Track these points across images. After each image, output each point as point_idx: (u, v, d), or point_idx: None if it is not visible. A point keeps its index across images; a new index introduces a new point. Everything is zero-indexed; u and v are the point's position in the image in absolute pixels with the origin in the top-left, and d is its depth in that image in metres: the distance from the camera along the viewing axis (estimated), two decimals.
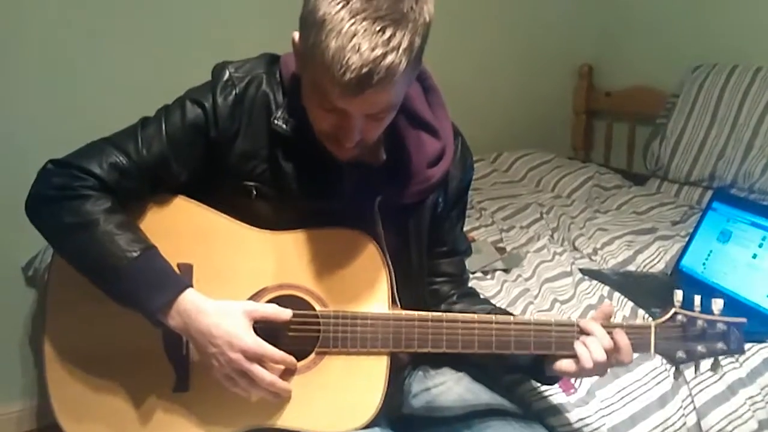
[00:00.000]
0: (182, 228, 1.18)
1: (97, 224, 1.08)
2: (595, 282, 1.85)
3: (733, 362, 1.53)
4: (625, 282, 1.84)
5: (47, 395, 1.17)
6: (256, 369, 1.08)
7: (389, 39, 0.95)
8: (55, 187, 1.10)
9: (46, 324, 1.18)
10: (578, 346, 1.13)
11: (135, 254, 1.07)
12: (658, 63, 2.86)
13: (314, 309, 1.16)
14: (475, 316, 1.17)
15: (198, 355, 1.12)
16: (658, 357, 1.49)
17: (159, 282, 1.08)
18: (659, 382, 1.45)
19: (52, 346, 1.17)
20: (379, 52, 0.94)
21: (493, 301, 1.41)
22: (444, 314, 1.17)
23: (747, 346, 1.51)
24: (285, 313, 1.12)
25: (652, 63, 2.89)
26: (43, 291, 1.24)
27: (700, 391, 1.48)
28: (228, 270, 1.17)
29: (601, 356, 1.12)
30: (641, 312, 1.67)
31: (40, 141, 2.06)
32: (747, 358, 1.53)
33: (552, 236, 2.21)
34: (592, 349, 1.12)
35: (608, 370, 1.17)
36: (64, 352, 1.17)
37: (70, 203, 1.09)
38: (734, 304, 1.60)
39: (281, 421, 1.14)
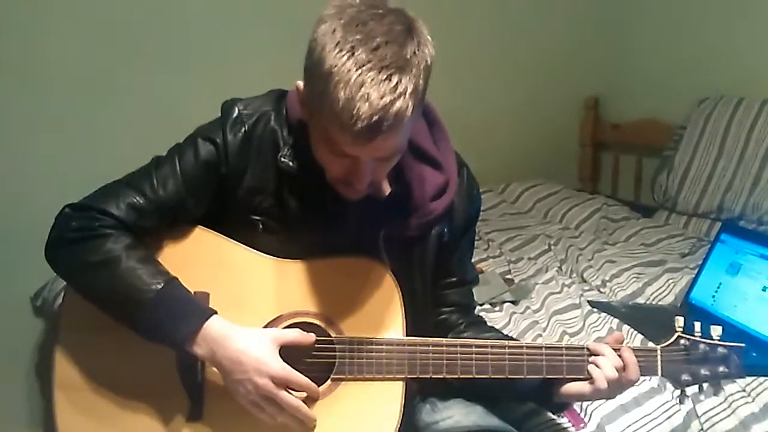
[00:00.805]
0: (198, 257, 1.19)
1: (119, 261, 1.09)
2: (604, 314, 1.84)
3: (745, 396, 1.51)
4: (634, 314, 1.84)
5: (54, 425, 1.16)
6: (284, 395, 1.08)
7: (396, 86, 0.97)
8: (75, 229, 1.12)
9: (57, 349, 1.18)
10: (591, 368, 1.17)
11: (159, 286, 1.08)
12: (665, 95, 2.88)
13: (330, 335, 1.16)
14: (488, 341, 1.18)
15: (220, 382, 1.12)
16: (668, 391, 1.48)
17: (184, 311, 1.09)
18: (669, 417, 1.44)
19: (62, 376, 1.17)
20: (387, 99, 0.97)
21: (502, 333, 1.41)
22: (457, 340, 1.18)
23: (761, 380, 1.52)
24: (309, 338, 1.13)
25: (659, 95, 2.91)
26: (56, 321, 1.24)
27: (712, 425, 1.46)
28: (244, 298, 1.18)
29: (613, 374, 1.15)
30: (651, 345, 1.66)
31: (47, 173, 2.10)
32: (759, 393, 1.51)
33: (560, 268, 2.20)
34: (604, 368, 1.15)
35: (619, 391, 1.19)
36: (74, 380, 1.17)
37: (91, 243, 1.11)
38: (745, 337, 1.59)
39: None
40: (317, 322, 1.17)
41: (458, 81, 2.63)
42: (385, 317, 1.18)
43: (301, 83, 1.08)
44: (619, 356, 1.17)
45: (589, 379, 1.17)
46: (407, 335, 1.19)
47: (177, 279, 1.12)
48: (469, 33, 2.73)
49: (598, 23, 3.06)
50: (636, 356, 1.18)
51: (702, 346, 1.20)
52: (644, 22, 2.97)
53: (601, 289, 2.06)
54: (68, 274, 1.16)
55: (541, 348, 1.18)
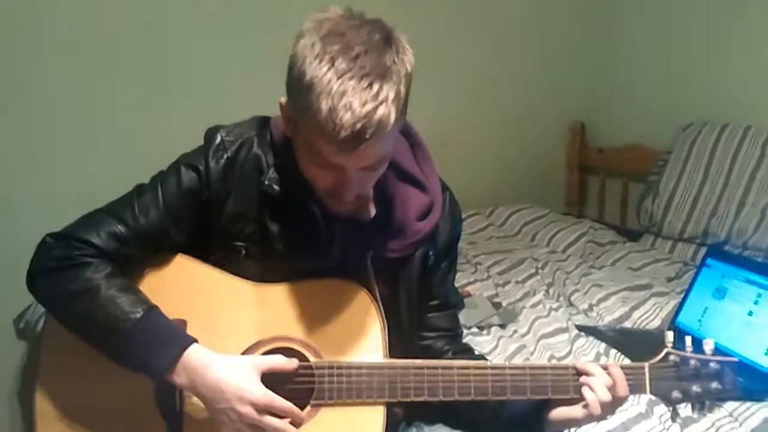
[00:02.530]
0: (176, 284, 1.18)
1: (98, 289, 1.09)
2: (591, 338, 1.84)
3: (732, 421, 1.51)
4: (621, 339, 1.84)
5: None
6: (268, 420, 1.07)
7: (377, 93, 0.98)
8: (56, 258, 1.12)
9: (38, 381, 1.17)
10: (585, 391, 1.14)
11: (138, 315, 1.08)
12: (650, 121, 2.91)
13: (309, 361, 1.15)
14: (471, 362, 1.17)
15: (199, 410, 1.11)
16: (656, 416, 1.48)
17: (163, 340, 1.08)
18: None
19: (44, 403, 1.16)
20: (369, 107, 0.97)
21: (489, 357, 1.40)
22: (439, 361, 1.17)
23: (748, 404, 1.51)
24: (291, 363, 1.12)
25: (644, 121, 2.94)
26: (36, 346, 1.23)
27: None
28: (222, 324, 1.17)
29: (606, 396, 1.13)
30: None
31: (29, 196, 2.09)
32: (747, 418, 1.51)
33: (547, 291, 2.20)
34: (596, 389, 1.13)
35: (610, 412, 1.17)
36: (55, 408, 1.15)
37: (71, 272, 1.10)
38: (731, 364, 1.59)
39: None
40: (296, 347, 1.16)
41: (445, 105, 2.65)
42: (365, 340, 1.17)
43: (283, 99, 1.09)
44: (608, 374, 1.15)
45: (578, 400, 1.15)
46: (393, 359, 1.18)
47: (157, 307, 1.11)
48: (456, 58, 2.75)
49: (584, 50, 3.10)
50: (624, 371, 1.15)
51: (693, 361, 1.16)
52: (630, 49, 3.01)
53: (588, 313, 2.06)
54: (48, 303, 1.15)
55: (524, 368, 1.16)
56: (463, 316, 1.40)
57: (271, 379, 1.12)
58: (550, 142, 3.15)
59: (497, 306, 2.05)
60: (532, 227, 2.76)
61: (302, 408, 1.13)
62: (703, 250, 2.31)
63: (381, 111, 0.98)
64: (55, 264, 1.11)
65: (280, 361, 1.11)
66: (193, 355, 1.08)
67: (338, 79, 0.97)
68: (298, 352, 1.16)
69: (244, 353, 1.15)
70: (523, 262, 2.42)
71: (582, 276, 2.28)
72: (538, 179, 3.11)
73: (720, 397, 1.18)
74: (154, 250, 1.18)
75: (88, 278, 1.09)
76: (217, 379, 1.06)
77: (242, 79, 2.34)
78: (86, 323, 1.10)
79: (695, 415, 1.24)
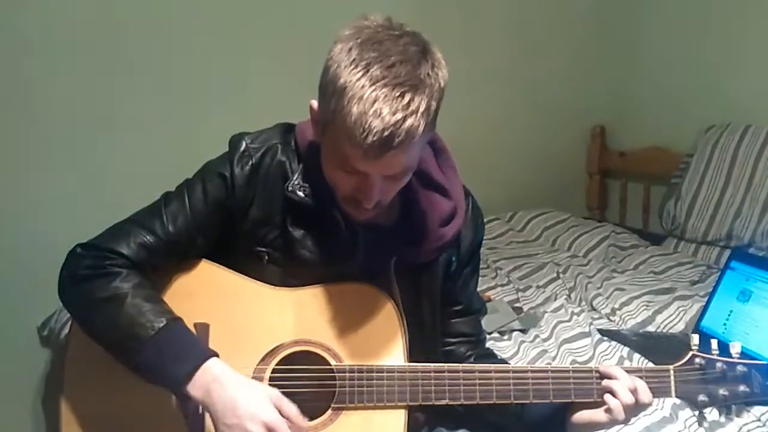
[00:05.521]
0: (200, 288, 1.19)
1: (125, 298, 1.09)
2: (614, 343, 1.82)
3: (760, 426, 1.48)
4: (644, 343, 1.82)
5: None
6: None
7: (408, 104, 0.98)
8: (86, 267, 1.13)
9: (63, 387, 1.18)
10: (607, 397, 1.13)
11: (161, 324, 1.08)
12: (671, 123, 2.88)
13: (330, 364, 1.15)
14: (492, 366, 1.17)
15: (216, 427, 1.10)
16: (681, 420, 1.46)
17: (184, 352, 1.08)
18: None
19: (69, 409, 1.17)
20: (399, 116, 0.98)
21: (511, 362, 1.39)
22: (460, 365, 1.16)
23: None
24: (301, 422, 1.08)
25: (665, 123, 2.91)
26: (61, 354, 1.24)
27: None
28: (244, 328, 1.17)
29: (630, 400, 1.12)
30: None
31: (56, 205, 2.11)
32: None
33: (569, 296, 2.19)
34: (620, 394, 1.12)
35: (633, 416, 1.16)
36: (80, 415, 1.16)
37: (100, 281, 1.11)
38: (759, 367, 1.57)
39: None
40: (317, 350, 1.17)
41: (466, 110, 2.64)
42: (385, 344, 1.17)
43: (315, 102, 1.09)
44: (631, 377, 1.13)
45: (602, 404, 1.14)
46: (414, 363, 1.17)
47: (180, 319, 1.11)
48: (476, 63, 2.75)
49: (605, 53, 3.08)
50: (648, 378, 1.15)
51: (719, 364, 1.14)
52: (650, 52, 2.99)
53: (611, 318, 2.04)
54: (76, 311, 1.16)
55: (547, 371, 1.16)
56: (484, 322, 1.39)
57: (291, 383, 1.13)
58: (571, 146, 3.13)
59: (518, 311, 2.03)
60: (553, 232, 2.74)
61: (323, 412, 1.14)
62: (727, 252, 2.28)
63: (410, 121, 0.98)
64: (86, 273, 1.13)
65: (293, 412, 1.07)
66: (210, 368, 1.07)
67: (371, 85, 0.98)
68: (318, 355, 1.16)
69: (265, 357, 1.16)
70: (544, 266, 2.41)
71: (604, 280, 2.26)
72: (558, 183, 3.09)
73: (748, 401, 1.16)
74: (181, 258, 1.19)
75: (116, 287, 1.10)
76: (233, 396, 1.06)
77: (264, 85, 2.35)
78: (109, 330, 1.11)
79: (722, 420, 1.23)
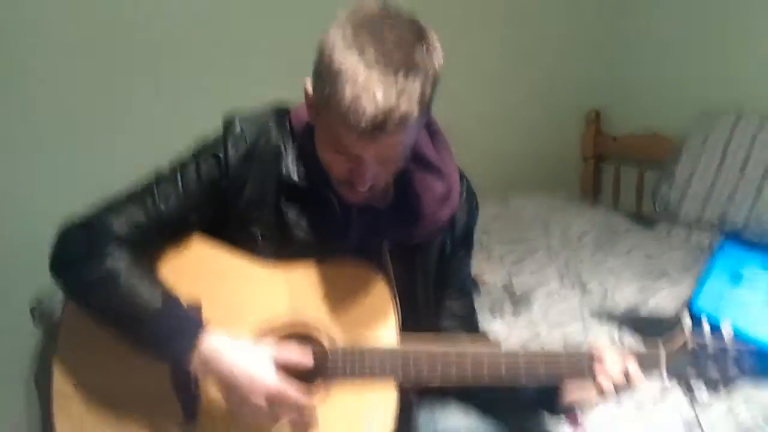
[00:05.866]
0: (193, 266, 1.19)
1: (119, 278, 1.10)
2: (605, 325, 1.83)
3: (747, 406, 1.50)
4: (636, 325, 1.83)
5: None
6: (279, 408, 1.08)
7: (403, 87, 0.98)
8: (77, 246, 1.14)
9: (55, 359, 1.18)
10: (601, 379, 1.14)
11: (157, 304, 1.09)
12: (666, 109, 2.88)
13: (323, 344, 1.15)
14: (484, 349, 1.17)
15: (213, 391, 1.12)
16: (671, 400, 1.47)
17: (181, 329, 1.09)
18: (671, 424, 1.43)
19: (61, 382, 1.17)
20: (393, 100, 0.97)
21: (502, 345, 1.40)
22: (452, 347, 1.17)
23: (763, 389, 1.50)
24: (308, 359, 1.12)
25: (660, 109, 2.91)
26: (54, 330, 1.24)
27: None
28: (237, 306, 1.17)
29: (621, 380, 1.13)
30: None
31: (47, 183, 2.10)
32: (763, 403, 1.50)
33: (561, 279, 2.19)
34: (612, 373, 1.13)
35: (623, 394, 1.17)
36: (72, 389, 1.17)
37: (92, 260, 1.11)
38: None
39: None
40: (311, 330, 1.17)
41: (459, 93, 2.62)
42: (378, 324, 1.17)
43: (309, 85, 1.09)
44: (622, 357, 1.15)
45: (593, 384, 1.15)
46: (406, 344, 1.17)
47: (176, 297, 1.12)
48: (469, 46, 2.74)
49: (599, 37, 3.07)
50: (639, 358, 1.16)
51: (711, 346, 1.16)
52: (645, 37, 2.98)
53: (603, 301, 2.04)
54: (70, 290, 1.17)
55: (538, 354, 1.16)
56: (476, 304, 1.39)
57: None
58: (565, 130, 3.13)
59: (511, 293, 2.04)
60: (546, 215, 2.74)
61: (315, 390, 1.14)
62: (720, 237, 2.29)
63: (404, 105, 0.98)
64: (77, 252, 1.13)
65: (296, 355, 1.11)
66: (207, 343, 1.09)
67: (366, 68, 0.97)
68: (312, 335, 1.17)
69: (257, 336, 1.16)
70: (536, 250, 2.41)
71: (596, 264, 2.27)
72: (552, 167, 3.09)
73: (738, 381, 1.17)
74: (173, 236, 1.19)
75: (108, 267, 1.10)
76: (231, 365, 1.07)
77: (259, 67, 2.34)
78: (105, 310, 1.12)
79: (711, 399, 1.24)
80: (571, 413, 1.32)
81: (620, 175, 3.07)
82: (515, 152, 2.99)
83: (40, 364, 2.14)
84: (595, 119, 3.10)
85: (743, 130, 2.44)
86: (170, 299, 1.11)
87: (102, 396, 1.17)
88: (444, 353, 1.15)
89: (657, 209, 2.67)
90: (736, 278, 1.80)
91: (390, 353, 1.15)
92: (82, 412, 1.16)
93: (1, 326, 2.11)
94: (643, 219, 2.77)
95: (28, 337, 2.12)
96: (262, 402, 1.06)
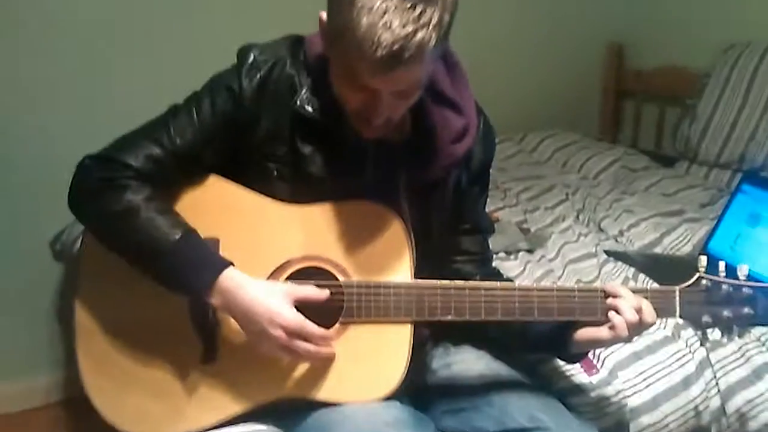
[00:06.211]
0: (209, 203, 1.20)
1: (138, 211, 1.10)
2: (619, 263, 1.83)
3: (759, 345, 1.51)
4: (650, 263, 1.83)
5: (77, 367, 1.20)
6: (297, 343, 1.10)
7: (419, 15, 0.95)
8: (96, 179, 1.14)
9: (76, 298, 1.20)
10: (612, 314, 1.14)
11: (176, 237, 1.10)
12: (690, 42, 2.80)
13: (338, 279, 1.17)
14: (497, 283, 1.18)
15: (232, 325, 1.14)
16: (682, 339, 1.48)
17: (201, 263, 1.11)
18: (683, 365, 1.45)
19: (83, 317, 1.20)
20: (410, 28, 0.95)
21: (516, 282, 1.41)
22: (466, 282, 1.17)
23: None
24: (323, 293, 1.13)
25: (684, 42, 2.83)
26: (75, 266, 1.26)
27: (725, 374, 1.47)
28: (253, 243, 1.18)
29: (634, 317, 1.12)
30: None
31: (65, 120, 2.10)
32: None
33: (577, 217, 2.19)
34: (624, 311, 1.13)
35: (636, 334, 1.16)
36: (94, 325, 1.19)
37: (110, 193, 1.12)
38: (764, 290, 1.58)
39: (308, 392, 1.15)
40: (326, 266, 1.18)
41: (478, 25, 2.56)
42: (393, 261, 1.18)
43: (324, 14, 1.06)
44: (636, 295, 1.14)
45: (606, 322, 1.15)
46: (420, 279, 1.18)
47: (194, 230, 1.13)
48: None
49: None
50: (653, 297, 1.15)
51: (725, 286, 1.15)
52: None
53: (618, 239, 2.04)
54: (89, 224, 1.18)
55: (552, 290, 1.16)
56: (491, 241, 1.39)
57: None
58: (585, 65, 3.06)
59: (525, 231, 2.04)
60: (564, 153, 2.72)
61: (331, 325, 1.16)
62: (739, 176, 2.26)
63: (421, 34, 0.96)
64: (95, 186, 1.13)
65: (312, 291, 1.13)
66: (228, 277, 1.10)
67: None
68: (326, 271, 1.18)
69: (274, 272, 1.17)
70: (553, 188, 2.40)
71: (613, 202, 2.26)
72: (572, 103, 3.03)
73: (752, 323, 1.17)
74: (189, 171, 1.19)
75: (127, 200, 1.11)
76: (251, 300, 1.09)
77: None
78: (125, 244, 1.13)
79: (724, 340, 1.24)
80: (584, 358, 1.33)
81: (641, 112, 3.02)
82: (534, 86, 2.94)
83: (62, 300, 2.19)
84: (617, 53, 3.03)
85: None
86: (190, 232, 1.12)
87: (123, 331, 1.19)
88: (458, 286, 1.16)
89: (677, 147, 2.64)
90: (754, 218, 1.78)
91: (404, 286, 1.16)
92: (104, 347, 1.19)
93: (22, 262, 2.15)
94: (663, 157, 2.73)
95: (49, 272, 2.17)
96: (281, 334, 1.08)
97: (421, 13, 0.95)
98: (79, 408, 1.20)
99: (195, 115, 1.16)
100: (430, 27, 0.96)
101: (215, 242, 1.17)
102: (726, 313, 1.15)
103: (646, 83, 2.96)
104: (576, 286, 1.18)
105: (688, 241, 1.99)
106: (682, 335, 1.50)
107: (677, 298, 1.16)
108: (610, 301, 1.15)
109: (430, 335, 1.32)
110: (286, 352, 1.10)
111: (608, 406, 1.37)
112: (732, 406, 1.46)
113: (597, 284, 1.72)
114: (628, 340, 1.17)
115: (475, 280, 1.30)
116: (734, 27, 2.60)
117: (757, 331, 1.52)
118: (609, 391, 1.38)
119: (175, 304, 1.15)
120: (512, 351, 1.35)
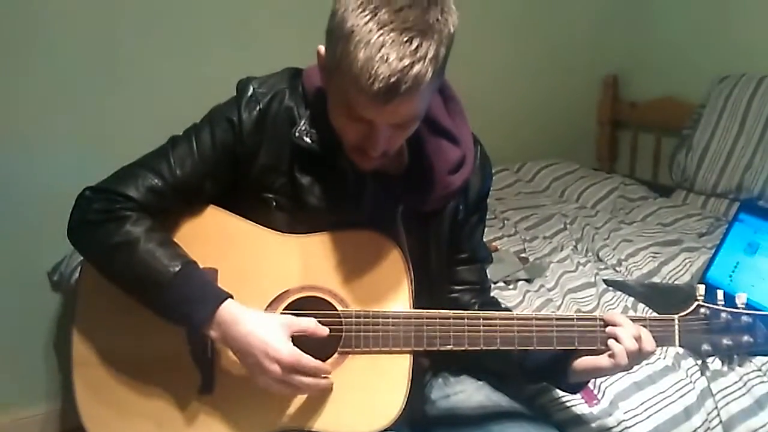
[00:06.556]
0: (208, 233, 1.20)
1: (138, 242, 1.11)
2: (619, 293, 1.83)
3: (761, 375, 1.50)
4: (649, 293, 1.82)
5: (73, 397, 1.19)
6: (293, 378, 1.09)
7: (416, 49, 0.96)
8: (96, 211, 1.14)
9: (74, 328, 1.20)
10: (611, 343, 1.13)
11: (176, 269, 1.10)
12: (685, 73, 2.84)
13: (336, 309, 1.17)
14: (497, 313, 1.18)
15: (230, 357, 1.14)
16: (683, 369, 1.48)
17: (200, 296, 1.11)
18: (684, 395, 1.44)
19: (81, 349, 1.19)
20: (406, 62, 0.96)
21: (515, 311, 1.40)
22: (465, 312, 1.17)
23: None
24: (322, 330, 1.12)
25: (679, 73, 2.87)
26: (72, 295, 1.26)
27: (727, 404, 1.45)
28: (251, 273, 1.18)
29: (634, 346, 1.12)
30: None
31: (64, 149, 2.11)
32: None
33: (576, 247, 2.19)
34: (624, 340, 1.12)
35: (636, 363, 1.16)
36: (91, 355, 1.19)
37: (111, 225, 1.12)
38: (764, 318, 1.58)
39: (306, 423, 1.15)
40: (324, 296, 1.18)
41: (475, 57, 2.60)
42: (391, 291, 1.18)
43: (322, 48, 1.08)
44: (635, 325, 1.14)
45: (606, 351, 1.14)
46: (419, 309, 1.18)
47: (194, 262, 1.13)
48: (487, 9, 2.70)
49: (618, 1, 3.01)
50: (652, 326, 1.15)
51: (724, 314, 1.15)
52: (665, 1, 2.92)
53: (617, 268, 2.04)
54: (89, 255, 1.18)
55: (551, 319, 1.16)
56: (489, 271, 1.39)
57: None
58: (582, 96, 3.09)
59: (524, 261, 2.04)
60: (562, 183, 2.73)
61: (329, 355, 1.15)
62: (736, 205, 2.27)
63: (417, 68, 0.97)
64: (95, 217, 1.14)
65: (310, 325, 1.12)
66: (226, 310, 1.10)
67: (379, 29, 0.96)
68: (325, 301, 1.17)
69: (272, 302, 1.17)
70: (551, 217, 2.40)
71: (611, 231, 2.26)
72: (568, 133, 3.06)
73: (751, 351, 1.17)
74: (189, 202, 1.19)
75: (127, 231, 1.11)
76: (247, 333, 1.08)
77: (271, 29, 2.33)
78: (125, 275, 1.13)
79: (724, 369, 1.24)
80: (584, 388, 1.32)
81: (637, 142, 3.04)
82: (531, 117, 2.97)
83: (59, 330, 2.18)
84: (613, 84, 3.06)
85: (763, 95, 2.41)
86: (189, 264, 1.12)
87: (120, 361, 1.19)
88: (457, 315, 1.16)
89: (673, 177, 2.65)
90: (752, 247, 1.79)
91: (403, 316, 1.16)
92: (101, 377, 1.18)
93: (20, 292, 2.14)
94: (660, 187, 2.75)
95: (47, 302, 2.16)
96: (276, 369, 1.08)
97: (417, 47, 0.96)
98: None
99: (195, 147, 1.17)
100: (427, 60, 0.97)
101: (214, 272, 1.17)
102: (726, 341, 1.15)
103: (641, 114, 2.99)
104: (575, 315, 1.18)
105: (687, 270, 1.99)
106: (683, 365, 1.49)
107: (676, 326, 1.16)
108: (609, 329, 1.15)
109: (430, 365, 1.32)
110: (282, 386, 1.10)
111: None
112: None
113: (596, 313, 1.72)
114: (627, 368, 1.16)
115: (474, 309, 1.30)
116: (728, 59, 2.63)
117: (759, 360, 1.51)
118: (610, 421, 1.37)
119: (173, 335, 1.15)
120: (512, 381, 1.34)
